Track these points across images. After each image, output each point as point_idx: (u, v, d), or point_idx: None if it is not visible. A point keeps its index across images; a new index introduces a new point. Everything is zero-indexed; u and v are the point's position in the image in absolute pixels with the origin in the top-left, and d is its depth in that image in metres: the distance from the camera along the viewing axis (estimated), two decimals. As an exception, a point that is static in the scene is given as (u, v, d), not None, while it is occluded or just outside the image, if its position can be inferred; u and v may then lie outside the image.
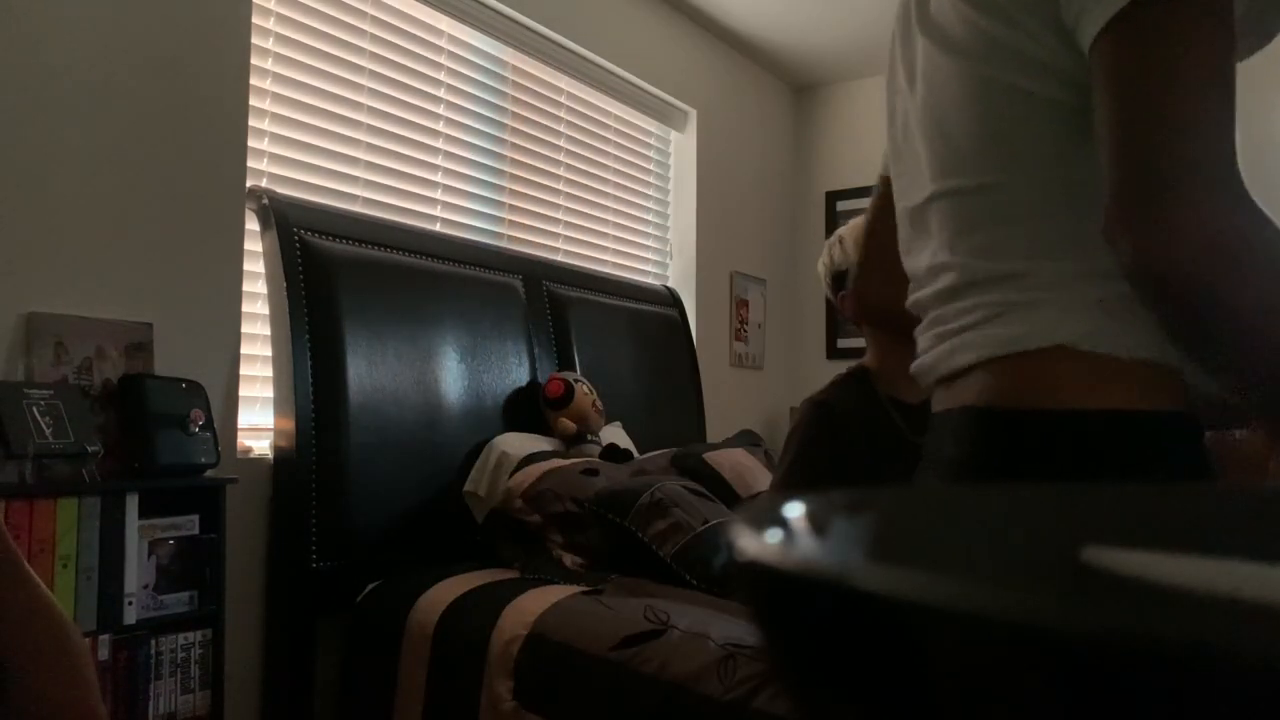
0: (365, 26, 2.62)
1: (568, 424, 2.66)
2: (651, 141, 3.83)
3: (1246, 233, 0.62)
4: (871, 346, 1.68)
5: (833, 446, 1.56)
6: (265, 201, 2.20)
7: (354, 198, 2.57)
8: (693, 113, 3.89)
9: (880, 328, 1.45)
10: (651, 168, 3.84)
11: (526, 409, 2.71)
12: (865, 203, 4.94)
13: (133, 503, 1.73)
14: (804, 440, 1.58)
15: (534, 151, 3.18)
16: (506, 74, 3.09)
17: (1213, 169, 0.64)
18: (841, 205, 4.54)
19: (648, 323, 3.39)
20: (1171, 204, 0.63)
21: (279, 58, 2.38)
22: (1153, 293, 0.65)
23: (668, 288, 3.69)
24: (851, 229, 1.69)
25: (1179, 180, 0.63)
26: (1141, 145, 0.64)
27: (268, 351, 2.23)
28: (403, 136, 2.71)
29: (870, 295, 1.25)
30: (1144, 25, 0.64)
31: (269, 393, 2.23)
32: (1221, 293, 0.62)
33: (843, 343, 4.43)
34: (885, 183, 1.03)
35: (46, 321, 1.78)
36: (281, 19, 2.39)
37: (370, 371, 2.27)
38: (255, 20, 2.26)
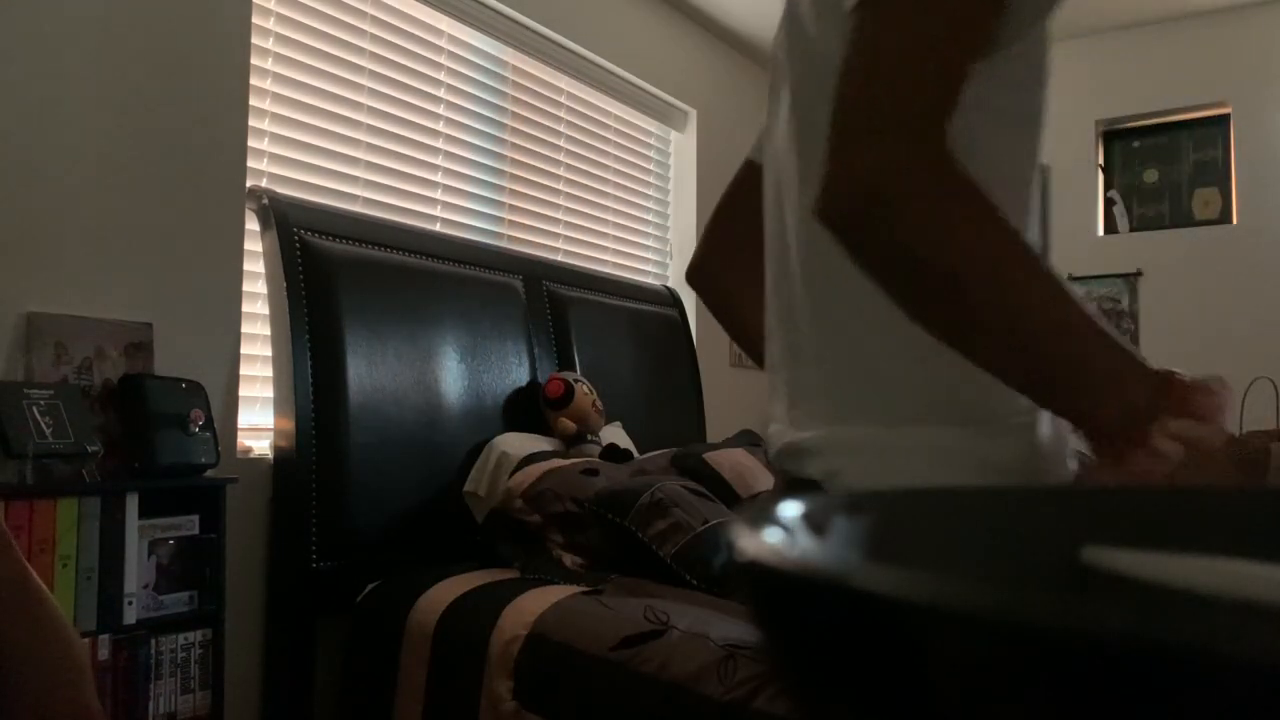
0: (365, 26, 2.62)
1: (568, 424, 2.66)
2: (651, 141, 3.83)
3: (924, 181, 0.61)
4: None
5: None
6: (265, 201, 2.20)
7: (354, 198, 2.57)
8: (693, 113, 3.89)
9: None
10: (651, 168, 3.84)
11: (526, 409, 2.71)
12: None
13: (133, 503, 1.73)
14: None
15: (534, 151, 3.18)
16: (506, 74, 3.09)
17: (889, 114, 0.62)
18: (841, 205, 4.54)
19: (648, 323, 3.39)
20: (845, 137, 0.63)
21: (279, 58, 2.38)
22: (834, 223, 0.64)
23: (668, 288, 3.69)
24: None
25: (857, 118, 0.63)
26: (849, 86, 0.64)
27: (268, 351, 2.23)
28: (403, 136, 2.71)
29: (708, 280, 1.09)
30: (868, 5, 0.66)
31: (269, 393, 2.23)
32: (882, 231, 0.61)
33: (843, 343, 4.44)
34: (749, 166, 0.88)
35: (46, 321, 1.78)
36: (281, 19, 2.39)
37: (370, 371, 2.27)
38: (255, 20, 2.26)
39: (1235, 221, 3.74)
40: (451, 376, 2.51)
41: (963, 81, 0.64)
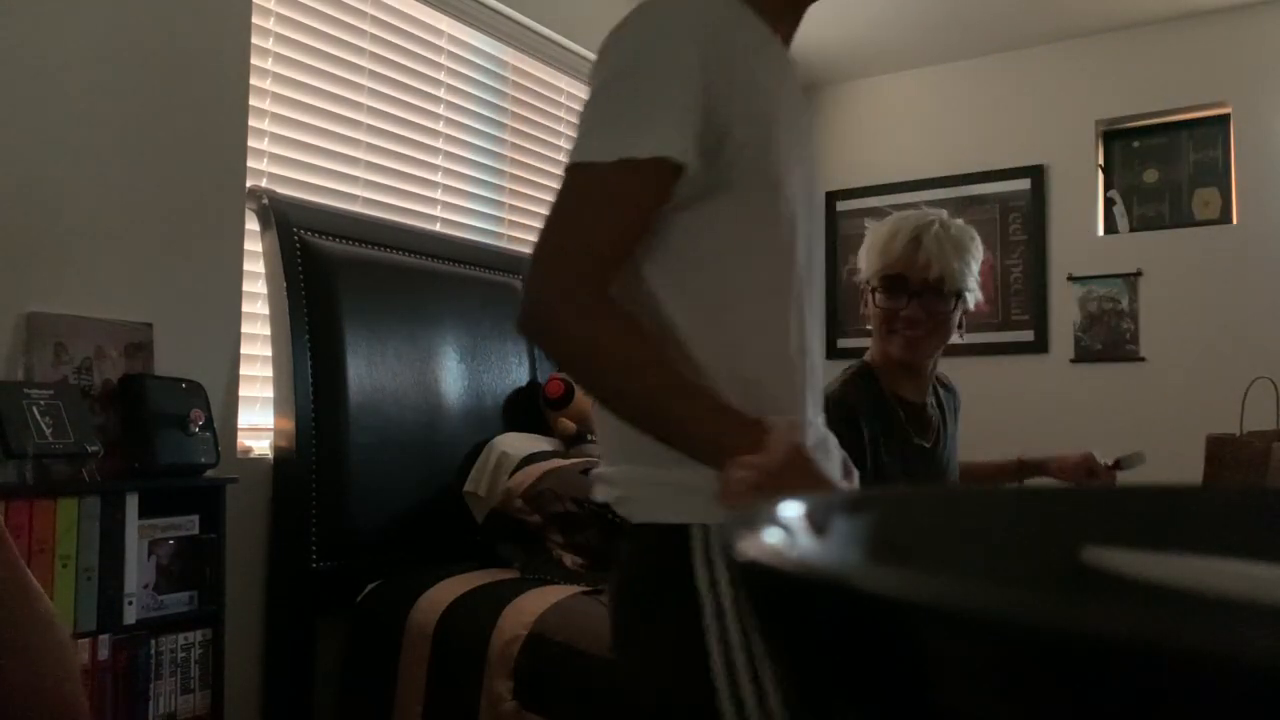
0: (365, 26, 2.62)
1: (568, 424, 2.66)
2: (651, 141, 3.83)
3: (571, 311, 0.89)
4: (876, 343, 1.68)
5: (849, 443, 1.56)
6: (265, 201, 2.20)
7: (354, 198, 2.57)
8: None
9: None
10: (651, 168, 3.84)
11: (526, 409, 2.71)
12: (865, 203, 4.94)
13: (133, 503, 1.73)
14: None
15: (534, 151, 3.18)
16: (506, 74, 3.09)
17: (559, 260, 0.90)
18: (841, 205, 4.54)
19: (648, 323, 3.38)
20: (530, 283, 0.91)
21: (279, 58, 2.38)
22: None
23: (668, 288, 3.68)
24: (876, 231, 1.68)
25: (539, 267, 0.91)
26: (539, 242, 0.92)
27: (268, 351, 2.23)
28: (403, 136, 2.71)
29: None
30: (570, 171, 0.93)
31: (269, 393, 2.23)
32: (561, 353, 0.92)
33: (843, 343, 4.43)
34: (675, 171, 0.92)
35: (46, 321, 1.78)
36: (281, 19, 2.39)
37: (370, 371, 2.27)
38: (255, 20, 2.26)
39: (1235, 221, 3.74)
40: (451, 376, 2.51)
41: (613, 247, 0.91)
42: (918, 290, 1.59)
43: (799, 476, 0.82)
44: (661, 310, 0.96)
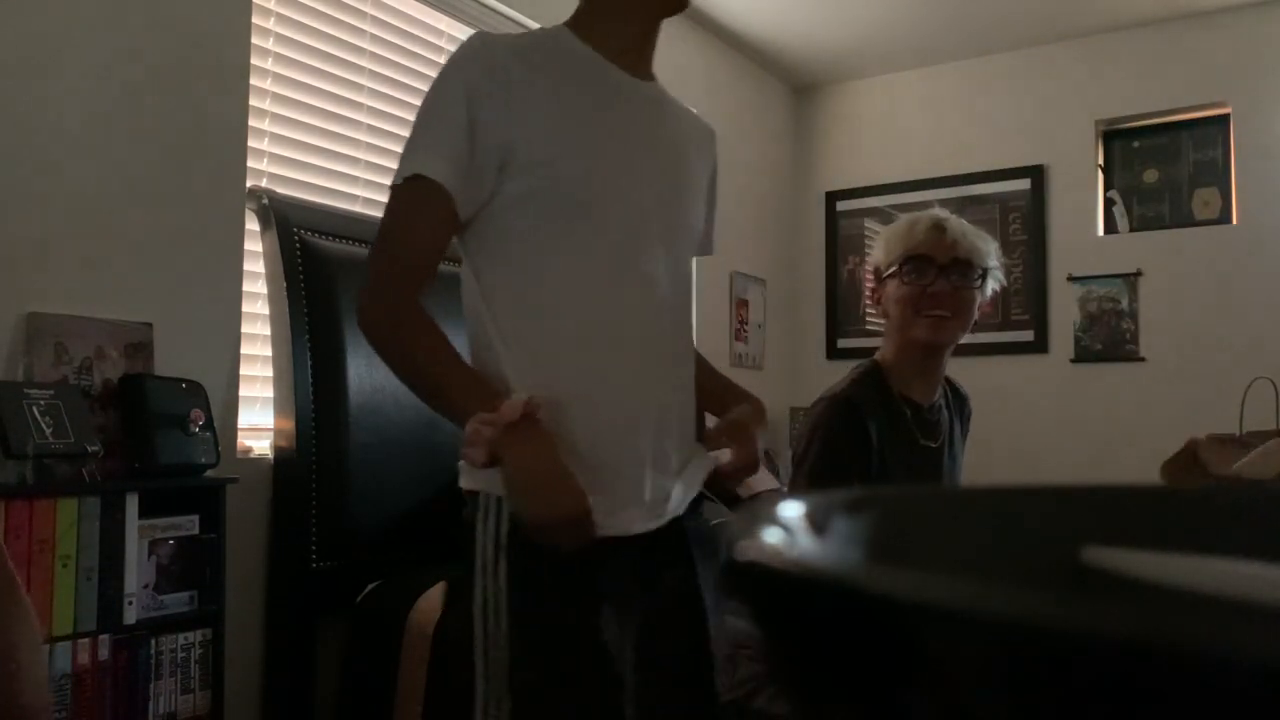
0: (365, 26, 2.62)
1: (568, 424, 2.66)
2: (651, 141, 3.83)
3: (382, 311, 1.12)
4: (888, 343, 1.67)
5: (857, 443, 1.56)
6: (265, 201, 2.20)
7: (354, 198, 2.57)
8: (693, 113, 3.88)
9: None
10: (651, 168, 3.84)
11: (526, 409, 2.70)
12: (865, 203, 4.93)
13: (133, 503, 1.73)
14: (828, 436, 1.58)
15: (534, 151, 3.17)
16: (506, 74, 3.09)
17: (375, 277, 1.13)
18: (841, 205, 4.54)
19: (648, 323, 3.38)
20: (361, 291, 1.14)
21: (279, 58, 2.38)
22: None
23: (668, 288, 3.68)
24: (892, 227, 1.69)
25: (366, 276, 1.14)
26: (369, 253, 1.16)
27: (268, 351, 2.23)
28: (403, 136, 2.70)
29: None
30: (393, 192, 1.14)
31: (269, 393, 2.23)
32: (378, 351, 1.13)
33: (843, 343, 4.43)
34: (438, 188, 1.11)
35: (46, 321, 1.78)
36: (281, 19, 2.39)
37: (370, 371, 2.27)
38: (255, 20, 2.26)
39: (1235, 221, 3.74)
40: (451, 376, 2.51)
41: (416, 254, 1.12)
42: (945, 266, 1.60)
43: (522, 438, 1.00)
44: (477, 308, 1.15)
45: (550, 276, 1.12)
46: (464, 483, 1.14)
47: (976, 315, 1.66)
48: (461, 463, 1.12)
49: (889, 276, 1.65)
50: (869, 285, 4.48)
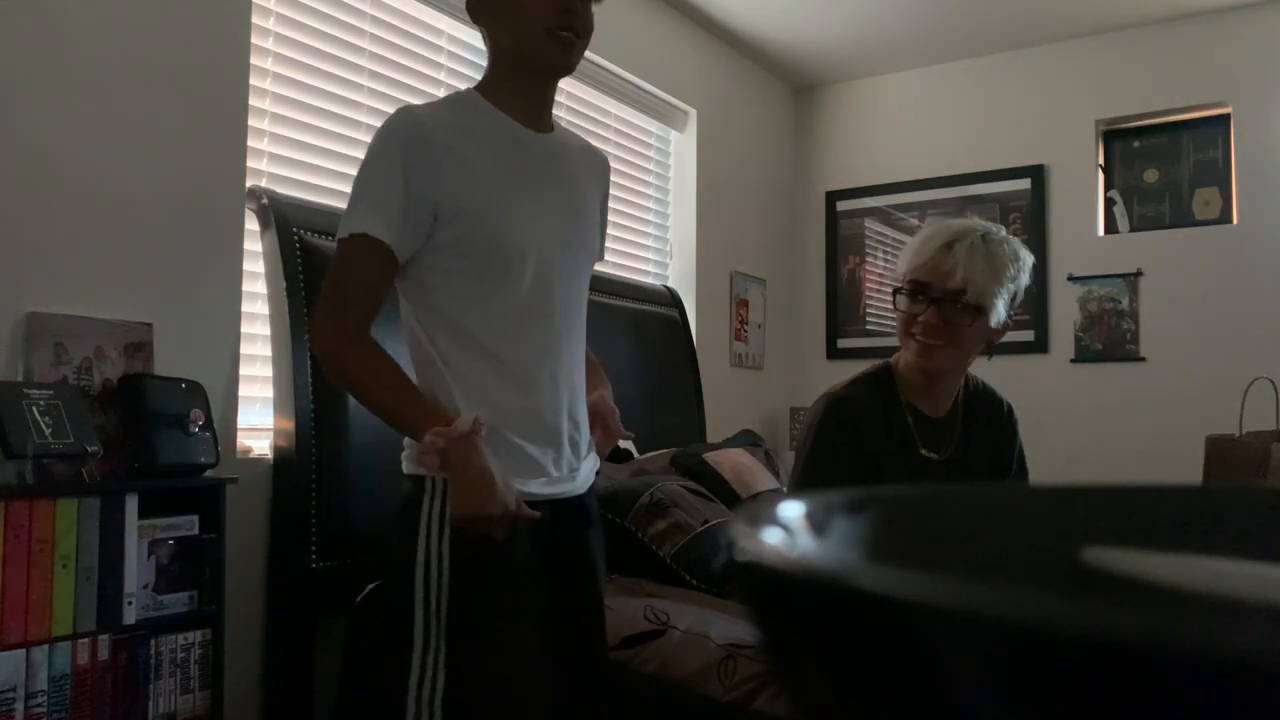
0: (365, 26, 2.62)
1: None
2: (651, 141, 3.83)
3: (336, 346, 1.34)
4: (905, 351, 1.64)
5: (846, 443, 1.56)
6: (265, 201, 2.20)
7: (354, 198, 2.56)
8: (693, 113, 3.89)
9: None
10: (651, 168, 3.84)
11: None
12: (865, 203, 4.93)
13: (132, 503, 1.73)
14: (821, 434, 1.58)
15: (534, 151, 3.17)
16: (506, 74, 3.09)
17: (330, 315, 1.34)
18: (841, 205, 4.54)
19: (648, 323, 3.39)
20: (315, 327, 1.37)
21: (279, 58, 2.38)
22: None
23: (668, 288, 3.68)
24: (924, 233, 1.64)
25: (319, 314, 1.35)
26: (322, 294, 1.37)
27: (268, 351, 2.23)
28: (403, 136, 2.71)
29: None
30: (340, 244, 1.36)
31: (269, 393, 2.23)
32: (335, 377, 1.39)
33: (843, 343, 4.43)
34: (378, 242, 1.33)
35: (46, 321, 1.78)
36: (281, 19, 2.39)
37: (370, 371, 2.27)
38: (255, 20, 2.26)
39: (1235, 221, 3.74)
40: (451, 376, 2.50)
41: (359, 298, 1.33)
42: (937, 297, 1.55)
43: (464, 450, 1.27)
44: (416, 331, 1.39)
45: (474, 308, 1.37)
46: (408, 469, 1.39)
47: (982, 344, 1.60)
48: (406, 453, 1.40)
49: (895, 290, 1.62)
50: (868, 286, 4.49)
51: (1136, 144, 4.01)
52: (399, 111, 1.37)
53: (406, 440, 1.41)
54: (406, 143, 1.32)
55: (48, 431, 1.64)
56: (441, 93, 2.85)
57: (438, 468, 1.29)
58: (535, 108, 1.45)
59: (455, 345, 1.37)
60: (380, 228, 1.30)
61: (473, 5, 1.42)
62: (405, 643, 1.30)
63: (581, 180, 1.53)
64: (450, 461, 1.27)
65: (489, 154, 1.39)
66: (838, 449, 1.56)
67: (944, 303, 1.54)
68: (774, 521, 0.28)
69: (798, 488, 1.55)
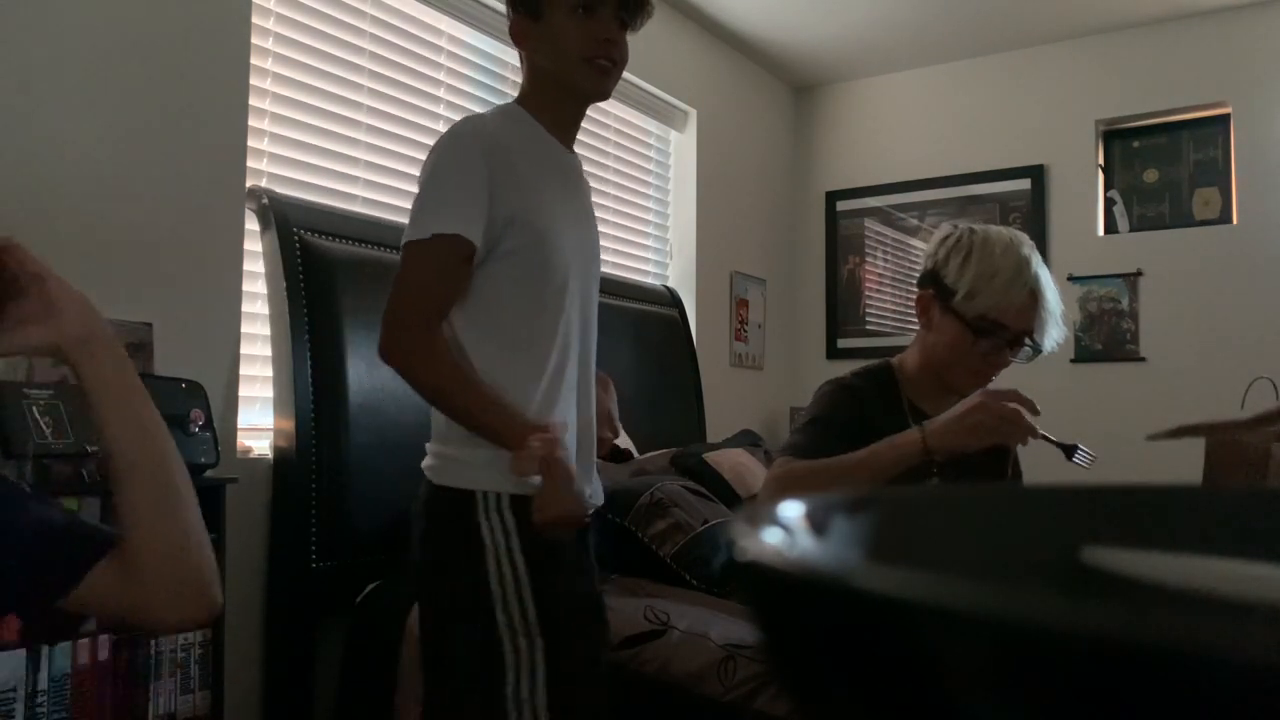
0: (365, 26, 2.62)
1: (568, 424, 2.66)
2: (651, 141, 3.83)
3: (416, 349, 1.34)
4: (914, 353, 1.63)
5: (852, 424, 1.55)
6: (265, 201, 2.20)
7: (354, 198, 2.57)
8: (693, 113, 3.89)
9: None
10: (651, 168, 3.84)
11: (526, 409, 2.70)
12: (865, 203, 4.93)
13: (133, 503, 1.73)
14: (829, 407, 1.56)
15: (534, 151, 3.17)
16: (506, 74, 3.08)
17: (408, 317, 1.34)
18: (841, 205, 4.54)
19: (648, 323, 3.38)
20: (387, 329, 1.35)
21: (279, 58, 2.38)
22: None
23: (668, 288, 3.68)
24: (988, 259, 1.56)
25: (392, 317, 1.35)
26: (390, 297, 1.36)
27: (268, 351, 2.23)
28: (403, 137, 2.71)
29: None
30: (403, 250, 1.37)
31: (269, 393, 2.23)
32: (411, 381, 1.36)
33: (843, 343, 4.43)
34: (466, 243, 1.35)
35: (46, 321, 1.78)
36: (281, 19, 2.39)
37: (370, 371, 2.27)
38: (255, 20, 2.26)
39: (1235, 221, 3.74)
40: (451, 376, 2.51)
41: (440, 300, 1.35)
42: (1013, 340, 1.53)
43: (560, 457, 1.33)
44: (459, 335, 1.40)
45: (516, 316, 1.41)
46: (445, 480, 1.40)
47: None
48: (435, 462, 1.43)
49: (960, 314, 1.53)
50: (868, 286, 4.49)
51: (1136, 144, 4.01)
52: (468, 120, 1.42)
53: (437, 450, 1.43)
54: (482, 151, 1.36)
55: (48, 431, 1.64)
56: (442, 93, 2.85)
57: (534, 473, 1.32)
58: (568, 128, 1.51)
59: (495, 350, 1.40)
60: (464, 228, 1.33)
61: (515, 30, 1.46)
62: (487, 654, 1.33)
63: (589, 199, 1.61)
64: (549, 466, 1.32)
65: (541, 169, 1.44)
66: (843, 425, 1.54)
67: (1015, 345, 1.54)
68: (774, 521, 0.28)
69: (791, 449, 1.53)
